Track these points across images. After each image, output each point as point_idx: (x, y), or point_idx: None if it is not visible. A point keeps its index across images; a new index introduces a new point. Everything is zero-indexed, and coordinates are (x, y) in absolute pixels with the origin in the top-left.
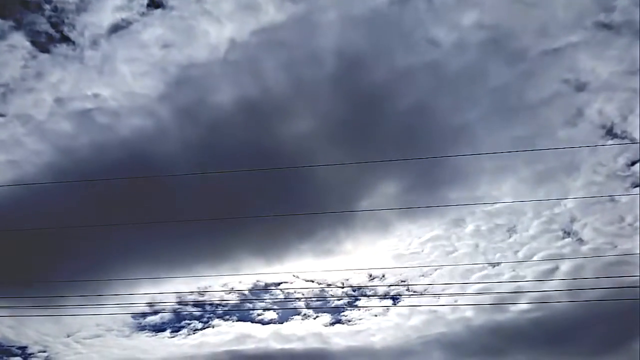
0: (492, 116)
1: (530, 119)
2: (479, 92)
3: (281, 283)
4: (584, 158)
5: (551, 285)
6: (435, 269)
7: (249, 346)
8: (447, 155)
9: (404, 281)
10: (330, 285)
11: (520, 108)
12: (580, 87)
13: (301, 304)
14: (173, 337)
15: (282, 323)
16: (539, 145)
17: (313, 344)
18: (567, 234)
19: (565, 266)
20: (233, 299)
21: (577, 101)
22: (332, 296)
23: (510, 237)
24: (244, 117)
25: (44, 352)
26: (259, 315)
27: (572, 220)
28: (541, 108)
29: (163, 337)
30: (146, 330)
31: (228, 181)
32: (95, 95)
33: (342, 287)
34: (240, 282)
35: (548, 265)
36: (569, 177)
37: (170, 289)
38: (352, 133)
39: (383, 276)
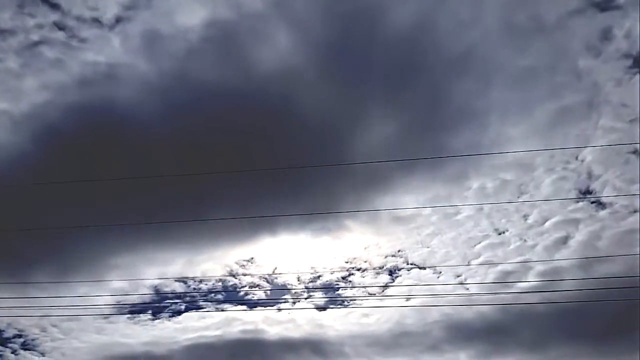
0: (501, 40)
1: (545, 45)
2: (485, 8)
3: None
4: (605, 97)
5: (563, 254)
6: (436, 235)
7: (236, 328)
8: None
9: (401, 250)
10: (319, 255)
11: (533, 30)
12: (604, 4)
13: (291, 279)
14: (155, 319)
15: (272, 305)
16: (557, 77)
17: (304, 326)
18: (584, 193)
19: (580, 234)
20: (218, 276)
21: (601, 22)
22: (324, 268)
23: (519, 197)
24: (216, 42)
25: (20, 336)
26: (246, 294)
27: (590, 176)
28: (558, 31)
29: (145, 320)
30: (126, 312)
31: (201, 130)
32: (40, 26)
33: (334, 260)
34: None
35: (560, 234)
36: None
37: (151, 265)
38: (340, 58)
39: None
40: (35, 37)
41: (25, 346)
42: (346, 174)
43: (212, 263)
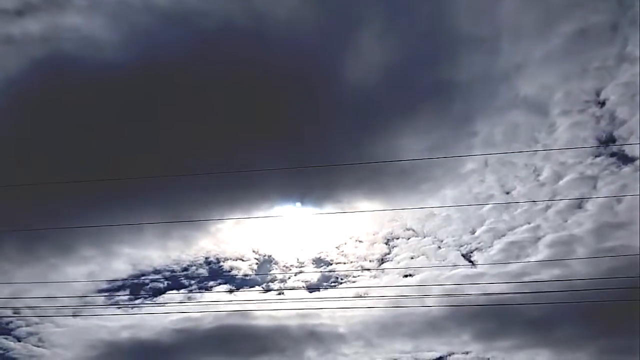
0: None
1: None
2: None
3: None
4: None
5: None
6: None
7: (224, 310)
8: None
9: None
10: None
11: None
12: None
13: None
14: (136, 300)
15: (261, 284)
16: None
17: (295, 305)
18: (604, 144)
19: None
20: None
21: None
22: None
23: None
24: None
25: None
26: (232, 269)
27: (613, 118)
28: None
29: (125, 303)
30: (104, 292)
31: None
32: None
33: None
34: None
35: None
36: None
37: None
38: None
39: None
40: None
41: None
42: (337, 114)
43: (192, 230)
